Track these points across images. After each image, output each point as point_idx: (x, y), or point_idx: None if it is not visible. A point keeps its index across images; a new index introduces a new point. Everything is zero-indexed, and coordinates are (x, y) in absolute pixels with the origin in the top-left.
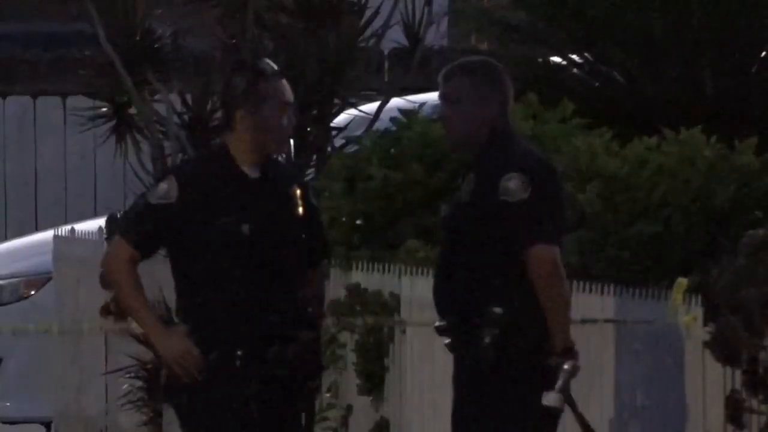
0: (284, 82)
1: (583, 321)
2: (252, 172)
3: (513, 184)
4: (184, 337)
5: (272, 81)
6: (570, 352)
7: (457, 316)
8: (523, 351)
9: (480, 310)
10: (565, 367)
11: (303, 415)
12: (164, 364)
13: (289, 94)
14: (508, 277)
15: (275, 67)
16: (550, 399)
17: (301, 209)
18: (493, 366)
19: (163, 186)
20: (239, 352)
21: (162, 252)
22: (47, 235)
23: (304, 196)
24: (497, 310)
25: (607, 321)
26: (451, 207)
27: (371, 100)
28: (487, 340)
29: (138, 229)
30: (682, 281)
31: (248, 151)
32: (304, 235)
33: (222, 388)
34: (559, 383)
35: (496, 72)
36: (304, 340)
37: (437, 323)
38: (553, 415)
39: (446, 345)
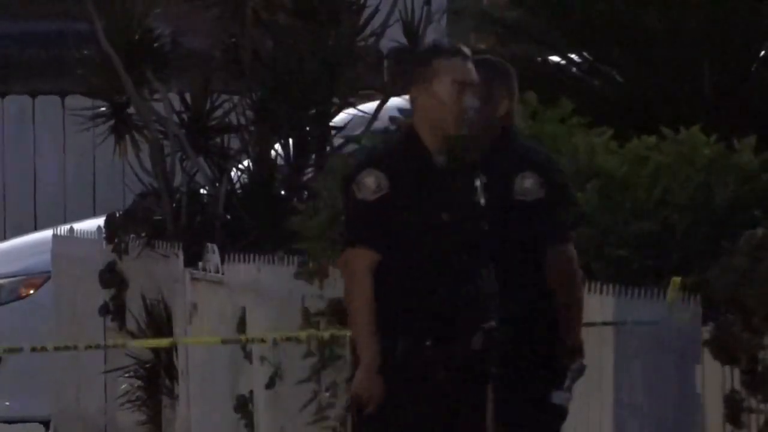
0: (466, 62)
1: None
2: (438, 159)
3: (528, 183)
4: (381, 387)
5: (448, 58)
6: (579, 352)
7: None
8: (535, 349)
9: (496, 308)
10: (573, 366)
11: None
12: (352, 390)
13: (468, 74)
14: (523, 276)
15: (462, 48)
16: (559, 398)
17: (483, 200)
18: (507, 364)
19: (369, 180)
20: (428, 342)
21: (162, 252)
22: (46, 234)
23: (503, 186)
24: (513, 308)
25: (605, 324)
26: (463, 208)
27: (370, 99)
28: (502, 338)
29: (368, 230)
30: (676, 280)
31: (428, 132)
32: (486, 227)
33: (410, 376)
34: (567, 382)
35: (506, 70)
36: (491, 330)
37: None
38: (561, 414)
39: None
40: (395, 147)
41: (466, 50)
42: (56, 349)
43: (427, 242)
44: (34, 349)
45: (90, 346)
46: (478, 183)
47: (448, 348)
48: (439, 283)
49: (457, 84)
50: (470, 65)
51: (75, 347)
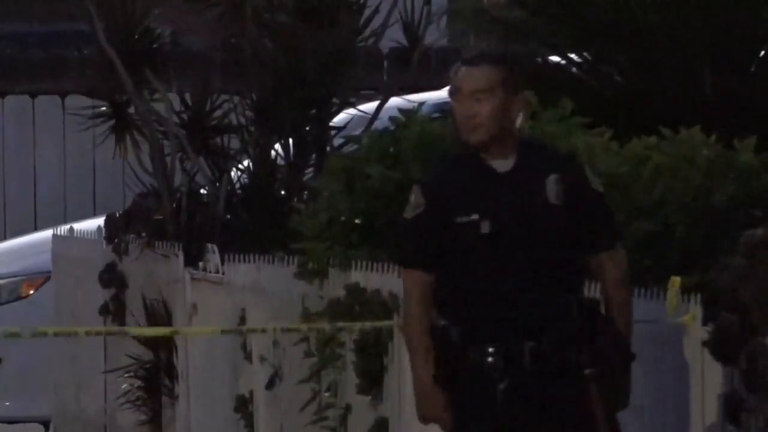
0: (466, 68)
1: None
2: (501, 166)
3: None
4: (441, 406)
5: (460, 68)
6: None
7: None
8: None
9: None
10: None
11: (574, 404)
12: (417, 413)
13: (466, 81)
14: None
15: (470, 55)
16: None
17: (556, 199)
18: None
19: (410, 199)
20: (491, 349)
21: (162, 252)
22: (46, 234)
23: (573, 184)
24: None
25: None
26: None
27: (370, 99)
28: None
29: (412, 250)
30: (675, 279)
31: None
32: (560, 226)
33: (473, 384)
34: None
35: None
36: (561, 333)
37: None
38: None
39: None
40: (449, 157)
41: (473, 55)
42: (56, 334)
43: (469, 253)
44: (34, 335)
45: (90, 332)
46: (546, 182)
47: (513, 356)
48: (493, 291)
49: (455, 92)
50: (470, 70)
51: (76, 333)
